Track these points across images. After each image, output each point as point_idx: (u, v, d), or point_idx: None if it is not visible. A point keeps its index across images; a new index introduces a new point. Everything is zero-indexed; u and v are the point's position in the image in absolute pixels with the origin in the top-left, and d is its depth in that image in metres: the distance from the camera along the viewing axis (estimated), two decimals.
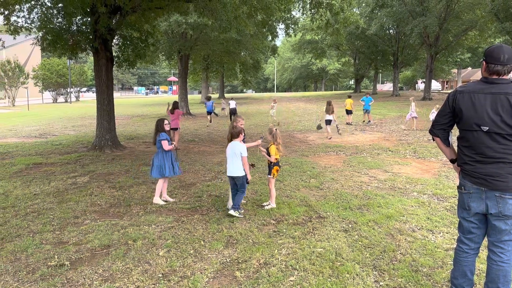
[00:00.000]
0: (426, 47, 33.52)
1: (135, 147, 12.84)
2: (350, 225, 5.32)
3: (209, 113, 20.76)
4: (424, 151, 11.12)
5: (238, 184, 5.80)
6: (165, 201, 6.55)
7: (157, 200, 6.50)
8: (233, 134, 5.88)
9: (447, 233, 5.05)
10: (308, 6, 12.99)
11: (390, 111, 23.83)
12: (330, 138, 13.72)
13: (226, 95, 56.84)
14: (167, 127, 6.49)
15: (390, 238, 4.87)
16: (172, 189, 7.30)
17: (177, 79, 40.18)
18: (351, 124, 18.01)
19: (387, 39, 40.55)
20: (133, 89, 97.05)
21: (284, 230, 5.16)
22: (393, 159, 10.13)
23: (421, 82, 56.80)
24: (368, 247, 4.60)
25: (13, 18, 12.18)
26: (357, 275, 3.94)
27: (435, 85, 51.76)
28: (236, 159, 5.75)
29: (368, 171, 8.77)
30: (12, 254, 4.53)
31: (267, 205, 6.17)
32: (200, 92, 62.60)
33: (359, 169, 8.98)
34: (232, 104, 20.74)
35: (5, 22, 12.18)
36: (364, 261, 4.24)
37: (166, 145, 6.34)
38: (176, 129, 12.39)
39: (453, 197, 6.57)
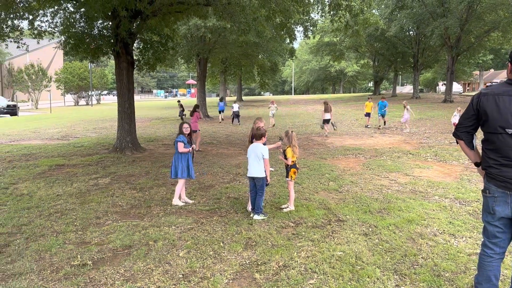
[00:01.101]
0: (447, 48, 32.97)
1: (155, 149, 12.99)
2: (370, 229, 5.27)
3: (220, 112, 24.07)
4: (445, 154, 10.93)
5: (257, 186, 5.82)
6: (185, 203, 6.61)
7: (176, 201, 6.56)
8: (256, 136, 5.91)
9: (469, 237, 4.95)
10: (327, 8, 12.94)
11: (410, 114, 23.47)
12: (326, 136, 15.21)
13: (244, 97, 57.09)
14: (185, 131, 6.56)
15: (411, 242, 4.81)
16: (191, 191, 7.37)
17: (195, 82, 40.51)
18: (369, 127, 17.82)
19: (407, 41, 40.03)
20: (152, 92, 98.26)
21: (303, 233, 5.15)
22: (414, 162, 9.99)
23: (442, 84, 55.89)
24: (389, 251, 4.55)
25: (37, 23, 12.52)
26: (378, 279, 3.90)
27: (457, 87, 50.86)
28: (257, 161, 5.77)
29: (388, 174, 8.67)
30: (37, 253, 4.64)
31: (285, 208, 6.16)
32: (218, 95, 62.95)
33: (379, 172, 8.89)
34: (235, 107, 21.80)
35: (29, 27, 12.52)
36: (385, 265, 4.19)
37: (180, 147, 6.42)
38: (194, 131, 12.57)
39: (476, 201, 6.44)
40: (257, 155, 5.78)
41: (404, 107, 16.78)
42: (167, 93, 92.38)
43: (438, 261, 4.28)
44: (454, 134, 3.30)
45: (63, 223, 5.67)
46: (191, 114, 13.12)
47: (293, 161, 6.17)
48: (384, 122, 18.07)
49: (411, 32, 39.64)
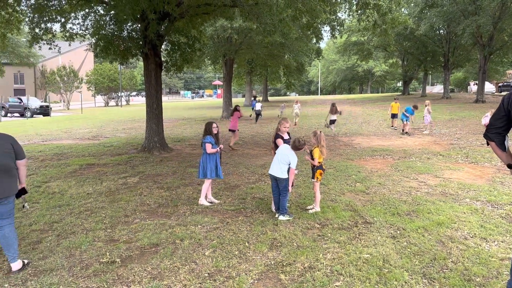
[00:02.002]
0: (479, 47, 31.96)
1: (182, 149, 13.16)
2: (398, 232, 5.17)
3: (253, 109, 24.06)
4: (477, 155, 10.60)
5: (280, 187, 5.80)
6: (210, 202, 6.66)
7: (202, 201, 6.62)
8: (295, 147, 5.84)
9: (502, 241, 4.78)
10: (354, 7, 12.77)
11: (441, 114, 22.90)
12: (335, 134, 15.91)
13: (269, 98, 57.07)
14: (214, 130, 6.60)
15: (441, 246, 4.68)
16: (217, 191, 7.42)
17: (221, 83, 40.80)
18: (396, 129, 17.41)
19: (437, 40, 39.05)
20: (179, 93, 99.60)
21: (329, 235, 5.10)
22: (444, 163, 9.73)
23: (474, 84, 54.23)
24: (418, 254, 4.45)
25: (68, 25, 12.93)
26: (406, 282, 3.82)
27: (489, 87, 49.19)
28: (282, 164, 5.75)
29: (417, 176, 8.48)
30: (67, 250, 4.77)
31: (311, 209, 6.12)
32: (244, 96, 63.19)
33: (408, 173, 8.70)
34: (258, 106, 22.95)
35: (61, 29, 12.93)
36: (413, 269, 4.10)
37: (208, 148, 6.46)
38: (233, 130, 13.16)
39: (509, 204, 6.22)
40: (284, 159, 5.75)
41: (425, 106, 16.33)
42: (194, 94, 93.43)
43: (469, 265, 4.15)
44: (485, 136, 3.19)
45: (93, 221, 5.82)
46: (231, 114, 13.45)
47: (319, 162, 6.12)
48: (396, 127, 17.48)
49: (441, 31, 38.65)
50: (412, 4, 35.98)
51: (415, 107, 15.94)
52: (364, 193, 7.14)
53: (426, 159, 10.39)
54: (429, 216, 5.75)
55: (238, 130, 13.43)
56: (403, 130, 15.89)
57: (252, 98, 27.18)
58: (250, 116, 24.46)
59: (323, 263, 4.27)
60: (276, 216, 5.84)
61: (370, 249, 4.61)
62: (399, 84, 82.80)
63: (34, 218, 6.02)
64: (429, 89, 67.49)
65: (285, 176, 5.77)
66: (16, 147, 4.28)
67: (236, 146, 13.02)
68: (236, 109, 13.61)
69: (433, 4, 32.53)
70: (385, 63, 63.15)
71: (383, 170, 9.09)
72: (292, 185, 5.99)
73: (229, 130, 13.50)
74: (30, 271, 4.22)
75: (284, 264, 4.29)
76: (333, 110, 15.98)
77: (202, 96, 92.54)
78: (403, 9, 34.97)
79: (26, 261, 4.39)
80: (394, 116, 17.92)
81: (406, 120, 15.79)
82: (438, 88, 70.94)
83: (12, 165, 4.21)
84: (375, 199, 6.74)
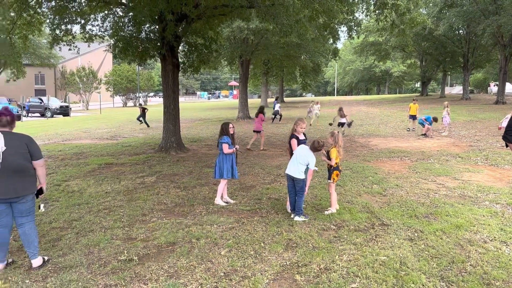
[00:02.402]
0: (499, 47, 31.33)
1: (198, 149, 13.25)
2: (416, 234, 5.11)
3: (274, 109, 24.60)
4: (497, 158, 10.39)
5: (296, 187, 5.79)
6: (226, 202, 6.70)
7: (218, 201, 6.66)
8: (314, 148, 5.83)
9: None
10: (372, 7, 12.66)
11: (460, 116, 22.53)
12: (344, 134, 15.96)
13: (285, 99, 56.97)
14: (231, 131, 6.63)
15: (459, 249, 4.61)
16: (233, 191, 7.45)
17: (237, 84, 40.90)
18: (414, 130, 17.13)
19: (456, 40, 38.42)
20: (196, 93, 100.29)
21: (345, 236, 5.07)
22: (463, 166, 9.57)
23: (494, 85, 53.11)
24: (435, 257, 4.39)
25: (88, 27, 13.14)
26: (423, 285, 3.77)
27: (510, 88, 48.11)
28: (300, 164, 5.75)
29: (435, 178, 8.36)
30: (86, 248, 4.86)
31: (327, 211, 6.09)
32: (259, 96, 63.26)
33: (426, 175, 8.59)
34: (277, 106, 23.84)
35: (81, 31, 13.16)
36: (431, 272, 4.05)
37: (226, 148, 6.49)
38: (258, 131, 13.29)
39: None
40: (303, 160, 5.74)
41: (445, 107, 16.03)
42: (210, 95, 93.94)
43: (488, 269, 4.08)
44: (504, 137, 3.14)
45: (111, 219, 5.91)
46: (256, 115, 13.52)
47: (336, 163, 6.09)
48: (413, 129, 17.14)
49: (461, 31, 38.02)
50: (431, 4, 35.50)
51: (435, 119, 15.50)
52: (381, 195, 7.07)
53: (445, 161, 10.24)
54: (447, 218, 5.67)
55: (263, 130, 13.54)
56: (424, 134, 15.45)
57: (274, 99, 27.96)
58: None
59: (339, 265, 4.25)
60: (292, 216, 5.84)
61: (387, 251, 4.57)
62: (417, 85, 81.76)
63: (54, 216, 6.14)
64: (448, 90, 66.44)
65: (302, 176, 5.76)
66: (31, 148, 4.26)
67: (243, 148, 12.99)
68: (261, 111, 13.66)
69: (453, 3, 32.03)
70: (403, 64, 62.45)
71: (400, 172, 8.99)
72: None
73: (254, 131, 13.63)
74: (50, 268, 4.31)
75: (300, 265, 4.29)
76: (342, 114, 16.50)
77: (218, 97, 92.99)
78: (421, 9, 34.54)
79: (46, 258, 4.48)
80: (412, 117, 17.67)
81: (429, 124, 15.40)
82: (457, 89, 69.81)
83: (27, 165, 4.22)
84: (392, 201, 6.68)
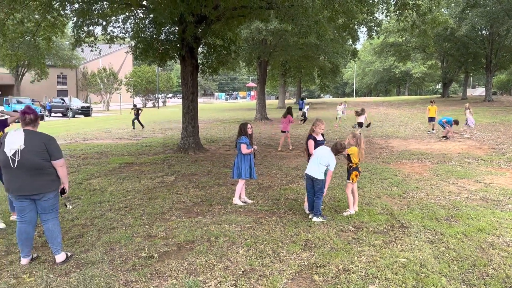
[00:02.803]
0: None
1: (216, 150, 13.33)
2: (436, 237, 5.04)
3: (301, 109, 25.29)
4: None
5: (315, 188, 5.78)
6: (244, 202, 6.73)
7: (236, 201, 6.70)
8: (336, 149, 5.82)
9: None
10: (392, 7, 12.53)
11: (482, 118, 22.07)
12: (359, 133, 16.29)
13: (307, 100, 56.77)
14: (249, 131, 6.66)
15: (481, 252, 4.53)
16: (251, 191, 7.47)
17: (255, 85, 40.96)
18: (433, 132, 16.81)
19: (479, 41, 37.65)
20: (214, 95, 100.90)
21: (364, 238, 5.04)
22: (486, 168, 9.38)
23: None
24: (456, 260, 4.32)
25: (109, 29, 13.39)
26: None
27: None
28: (321, 165, 5.73)
29: (457, 180, 8.22)
30: (108, 245, 4.95)
31: (346, 212, 6.06)
32: (277, 98, 63.23)
33: (447, 178, 8.45)
34: (305, 108, 24.27)
35: (102, 32, 13.41)
36: (452, 274, 3.99)
37: (244, 149, 6.52)
38: (284, 131, 13.41)
39: None
40: (324, 161, 5.72)
41: (466, 109, 15.72)
42: (228, 96, 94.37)
43: (511, 272, 4.00)
44: None
45: (132, 217, 6.01)
46: (284, 116, 13.54)
47: (356, 163, 6.06)
48: (433, 129, 16.82)
49: (483, 32, 37.25)
50: (452, 4, 34.89)
51: (456, 122, 15.13)
52: (401, 197, 7.00)
53: (467, 163, 10.06)
54: (469, 221, 5.57)
55: (288, 131, 13.56)
56: (445, 137, 15.07)
57: (300, 99, 28.66)
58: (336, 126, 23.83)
59: (357, 266, 4.23)
60: (310, 216, 5.83)
61: (407, 253, 4.52)
62: (438, 86, 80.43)
63: (76, 213, 6.27)
64: (470, 91, 65.21)
65: (322, 177, 5.75)
66: (50, 148, 4.27)
67: (261, 149, 13.00)
68: (290, 112, 13.70)
69: (475, 3, 31.41)
70: (424, 65, 61.52)
71: (421, 174, 8.88)
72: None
73: (282, 131, 13.68)
74: (73, 263, 4.41)
75: (318, 265, 4.28)
76: (362, 114, 16.75)
77: (236, 98, 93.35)
78: (443, 9, 33.99)
79: (69, 254, 4.58)
80: (431, 119, 17.36)
81: (450, 126, 15.01)
82: (480, 91, 68.40)
83: (44, 164, 4.23)
84: (412, 203, 6.60)
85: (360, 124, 16.74)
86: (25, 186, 4.20)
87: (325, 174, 5.84)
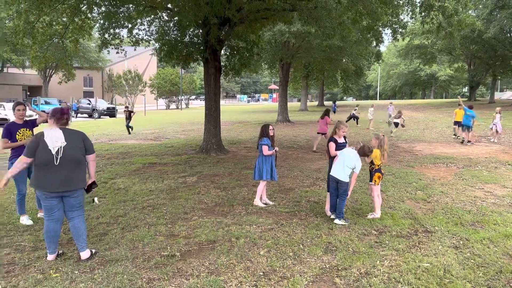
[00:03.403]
0: None
1: (237, 151, 13.39)
2: (461, 242, 4.93)
3: (334, 112, 25.31)
4: None
5: (340, 190, 5.74)
6: (265, 204, 6.74)
7: (257, 202, 6.71)
8: (362, 152, 5.80)
9: None
10: (418, 9, 12.32)
11: (510, 122, 21.43)
12: (392, 135, 17.23)
13: (325, 103, 56.40)
14: (271, 133, 6.67)
15: (508, 259, 4.41)
16: (271, 193, 7.48)
17: (277, 87, 40.94)
18: (459, 137, 16.30)
19: (507, 43, 36.58)
20: (236, 97, 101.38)
21: (387, 242, 4.97)
22: None
23: None
24: (482, 266, 4.22)
25: (135, 31, 13.63)
26: None
27: None
28: (347, 167, 5.70)
29: (483, 185, 8.02)
30: (131, 243, 5.04)
31: (371, 215, 6.00)
32: (299, 100, 63.02)
33: (473, 183, 8.25)
34: (354, 110, 24.28)
35: (128, 35, 13.67)
36: (477, 281, 3.90)
37: (265, 150, 6.53)
38: (322, 133, 13.52)
39: None
40: (350, 163, 5.69)
41: (497, 113, 15.24)
42: (250, 98, 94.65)
43: None
44: None
45: (155, 216, 6.10)
46: (322, 117, 13.56)
47: (378, 165, 5.99)
48: (469, 140, 14.84)
49: None
50: (480, 6, 34.08)
51: (470, 106, 14.83)
52: (425, 201, 6.87)
53: (493, 168, 9.79)
54: (495, 227, 5.43)
55: (327, 133, 13.42)
56: (466, 140, 14.35)
57: (332, 102, 28.93)
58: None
59: (380, 270, 4.18)
60: (332, 217, 5.81)
61: (430, 258, 4.44)
62: (465, 89, 78.57)
63: (101, 211, 6.41)
64: (497, 95, 63.45)
65: (347, 179, 5.70)
66: (86, 143, 4.55)
67: (283, 151, 12.95)
68: (327, 113, 13.71)
69: (504, 5, 30.58)
70: (450, 68, 60.24)
71: (446, 179, 8.69)
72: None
73: (318, 133, 13.73)
74: (97, 260, 4.51)
75: (340, 268, 4.25)
76: (398, 115, 17.85)
77: (258, 100, 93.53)
78: (470, 11, 33.23)
79: (93, 251, 4.68)
80: (457, 123, 16.93)
81: (469, 127, 14.45)
82: (508, 95, 66.45)
83: (82, 159, 4.49)
84: (437, 208, 6.47)
85: (396, 124, 17.63)
86: (65, 182, 4.36)
87: (350, 176, 5.80)
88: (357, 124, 23.23)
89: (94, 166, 4.72)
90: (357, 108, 25.66)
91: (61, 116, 4.48)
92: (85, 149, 4.52)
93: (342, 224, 5.60)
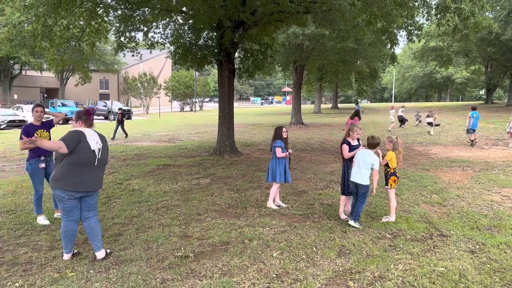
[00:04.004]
0: None
1: (251, 153, 13.41)
2: (477, 246, 4.86)
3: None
4: None
5: (359, 193, 5.71)
6: (278, 206, 6.74)
7: (270, 204, 6.72)
8: (372, 145, 5.78)
9: None
10: (433, 11, 12.18)
11: None
12: (429, 133, 18.27)
13: (339, 105, 56.04)
14: (284, 135, 6.67)
15: None
16: (285, 195, 7.47)
17: (291, 89, 40.88)
18: (476, 140, 15.96)
19: None
20: (249, 99, 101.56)
21: (401, 246, 4.93)
22: None
23: None
24: (498, 271, 4.15)
25: (150, 34, 13.78)
26: None
27: None
28: (364, 169, 5.66)
29: (500, 189, 7.88)
30: (145, 243, 5.10)
31: (385, 218, 5.95)
32: (313, 102, 62.81)
33: (490, 186, 8.12)
34: (400, 111, 23.79)
35: (144, 38, 13.83)
36: (493, 286, 3.84)
37: (279, 152, 6.53)
38: None
39: None
40: (365, 163, 5.65)
41: None
42: (263, 100, 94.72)
43: None
44: None
45: (169, 217, 6.15)
46: (352, 117, 13.62)
47: (393, 168, 5.94)
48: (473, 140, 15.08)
49: None
50: (498, 8, 33.54)
51: (474, 108, 15.45)
52: (441, 205, 6.79)
53: (511, 172, 9.62)
54: None
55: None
56: (472, 142, 14.60)
57: (355, 103, 29.04)
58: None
59: (394, 274, 4.15)
60: (346, 218, 5.81)
61: (446, 263, 4.39)
62: (482, 92, 77.38)
63: (116, 212, 6.49)
64: None
65: (366, 182, 5.65)
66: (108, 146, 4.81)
67: (296, 153, 12.91)
68: (358, 114, 13.75)
69: None
70: (467, 70, 59.39)
71: (462, 182, 8.57)
72: (371, 193, 5.91)
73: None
74: (112, 260, 4.56)
75: (353, 271, 4.23)
76: (431, 115, 18.92)
77: (271, 102, 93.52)
78: (487, 13, 32.71)
79: (108, 251, 4.74)
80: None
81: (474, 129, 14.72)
82: None
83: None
84: (453, 211, 6.39)
85: (430, 124, 18.67)
86: (98, 182, 4.58)
87: (371, 177, 5.76)
88: (403, 126, 23.03)
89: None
90: (403, 109, 24.62)
91: (89, 117, 4.62)
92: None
93: (355, 227, 5.57)
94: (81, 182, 4.38)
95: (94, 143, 4.45)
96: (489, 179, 8.77)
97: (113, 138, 18.04)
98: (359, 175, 5.67)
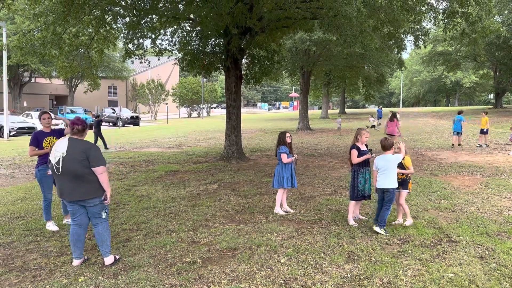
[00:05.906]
0: None
1: (258, 159, 13.42)
2: (487, 252, 4.81)
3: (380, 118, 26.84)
4: None
5: (385, 198, 5.66)
6: (286, 212, 6.73)
7: (278, 210, 6.71)
8: (386, 147, 5.76)
9: None
10: (440, 16, 12.16)
11: None
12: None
13: (347, 110, 55.92)
14: (288, 140, 6.67)
15: None
16: (292, 201, 7.46)
17: (298, 95, 40.87)
18: (487, 145, 15.84)
19: None
20: (256, 105, 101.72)
21: (410, 251, 4.90)
22: None
23: None
24: (509, 277, 4.10)
25: (158, 41, 13.91)
26: None
27: None
28: (390, 172, 5.62)
29: (510, 194, 7.80)
30: (154, 249, 5.12)
31: (408, 222, 5.94)
32: (320, 108, 62.72)
33: (499, 192, 8.04)
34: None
35: (151, 45, 13.95)
36: None
37: (284, 158, 6.53)
38: (393, 135, 13.82)
39: None
40: (390, 167, 5.61)
41: None
42: (270, 106, 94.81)
43: None
44: None
45: (177, 223, 6.18)
46: (391, 120, 13.99)
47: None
48: (459, 144, 15.90)
49: None
50: (506, 12, 33.35)
51: (460, 112, 15.90)
52: (450, 211, 6.73)
53: None
54: None
55: (396, 134, 13.85)
56: (459, 145, 15.57)
57: (378, 108, 30.02)
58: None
59: (403, 280, 4.12)
60: (355, 224, 5.90)
61: (455, 269, 4.35)
62: (491, 96, 76.78)
63: (125, 218, 6.53)
64: None
65: (393, 185, 5.61)
66: (89, 155, 4.39)
67: (304, 159, 12.90)
68: (395, 115, 14.05)
69: None
70: (475, 74, 58.97)
71: (471, 187, 8.50)
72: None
73: (388, 134, 13.93)
74: (120, 266, 4.59)
75: (362, 277, 4.21)
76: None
77: (279, 108, 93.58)
78: (495, 17, 32.54)
79: (117, 257, 4.77)
80: (482, 131, 16.51)
81: (458, 132, 15.37)
82: None
83: (85, 171, 4.38)
84: (462, 217, 6.33)
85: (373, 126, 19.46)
86: (69, 192, 4.45)
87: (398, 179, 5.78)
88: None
89: (104, 179, 4.50)
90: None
91: (72, 126, 4.56)
92: (88, 161, 4.38)
93: (381, 233, 5.50)
94: (58, 190, 4.58)
95: (54, 152, 4.41)
96: (498, 184, 8.68)
97: (106, 148, 16.97)
98: (387, 180, 5.61)
